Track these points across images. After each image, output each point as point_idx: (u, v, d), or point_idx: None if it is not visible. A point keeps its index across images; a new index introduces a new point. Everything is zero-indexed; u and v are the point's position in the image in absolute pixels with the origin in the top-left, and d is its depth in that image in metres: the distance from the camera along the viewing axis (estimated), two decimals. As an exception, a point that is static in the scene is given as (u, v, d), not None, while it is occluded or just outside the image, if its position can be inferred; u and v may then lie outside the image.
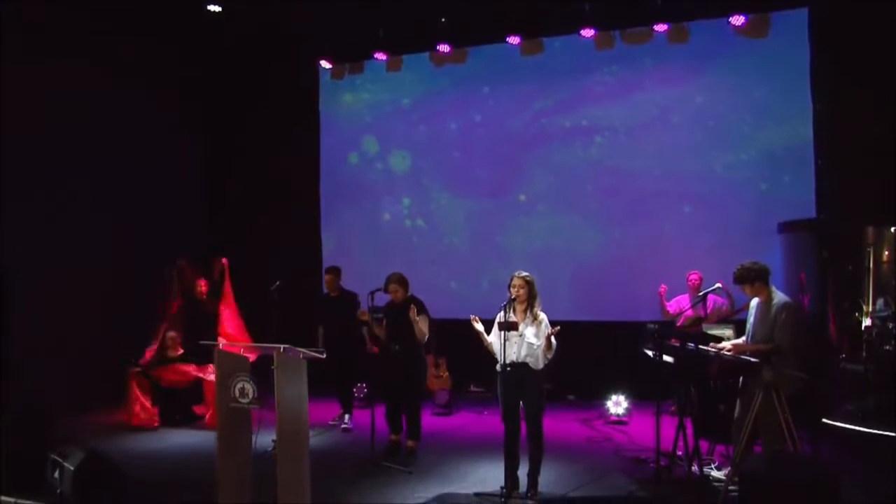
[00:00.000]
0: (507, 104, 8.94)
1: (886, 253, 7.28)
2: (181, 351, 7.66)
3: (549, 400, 6.50)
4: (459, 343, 7.93)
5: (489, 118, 9.04)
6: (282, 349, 4.37)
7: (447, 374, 8.24)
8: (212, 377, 7.09)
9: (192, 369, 7.51)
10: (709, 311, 7.15)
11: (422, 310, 6.07)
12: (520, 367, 4.99)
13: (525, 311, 5.06)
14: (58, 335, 7.63)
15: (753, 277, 4.87)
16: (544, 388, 5.19)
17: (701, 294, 5.31)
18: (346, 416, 7.24)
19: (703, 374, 5.22)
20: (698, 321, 6.17)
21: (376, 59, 9.20)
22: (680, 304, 7.37)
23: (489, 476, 5.47)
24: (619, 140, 8.52)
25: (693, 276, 7.34)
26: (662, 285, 7.45)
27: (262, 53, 9.57)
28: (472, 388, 8.77)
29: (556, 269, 8.42)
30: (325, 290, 7.35)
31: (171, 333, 7.68)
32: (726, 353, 4.93)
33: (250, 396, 4.46)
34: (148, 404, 7.36)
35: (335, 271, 7.26)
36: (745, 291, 4.99)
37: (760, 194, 7.97)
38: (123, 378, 7.43)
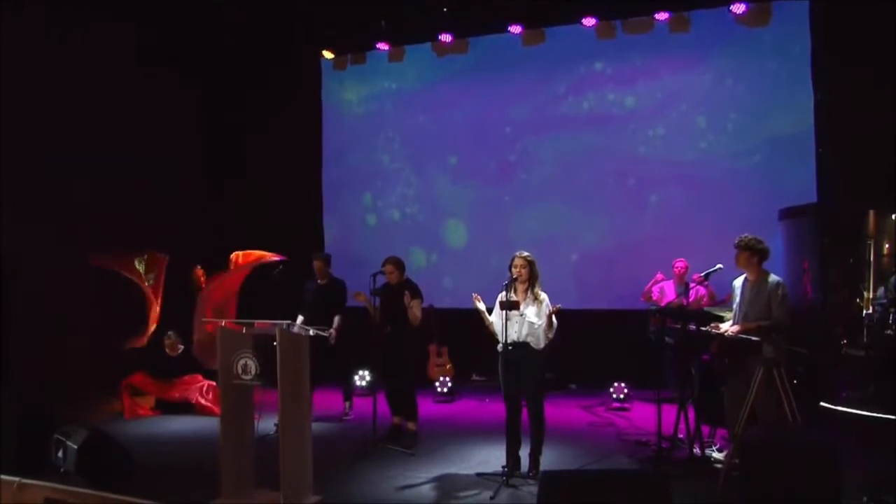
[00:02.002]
0: (509, 93, 8.96)
1: (887, 246, 7.31)
2: (181, 348, 7.61)
3: (550, 388, 6.55)
4: (461, 332, 7.99)
5: (491, 107, 9.05)
6: (285, 325, 4.39)
7: (450, 364, 8.25)
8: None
9: (192, 383, 7.49)
10: (690, 300, 7.16)
11: (416, 294, 6.07)
12: (521, 347, 5.02)
13: (526, 291, 5.09)
14: (58, 323, 7.66)
15: (758, 250, 4.92)
16: (545, 369, 5.21)
17: (704, 274, 5.31)
18: (347, 405, 7.12)
19: (704, 349, 5.24)
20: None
21: (378, 49, 9.25)
22: (663, 290, 7.39)
23: (491, 458, 5.48)
24: (621, 128, 8.53)
25: (679, 264, 7.36)
26: (660, 273, 7.49)
27: (265, 43, 9.58)
28: (475, 377, 8.78)
29: (558, 256, 8.45)
30: (315, 278, 6.95)
31: (170, 336, 7.62)
32: (730, 333, 4.95)
33: (253, 373, 4.48)
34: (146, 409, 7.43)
35: (326, 258, 6.97)
36: (738, 261, 5.01)
37: (761, 182, 7.96)
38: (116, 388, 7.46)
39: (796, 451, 3.43)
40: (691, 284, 6.90)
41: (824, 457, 3.40)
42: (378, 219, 9.58)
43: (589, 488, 3.69)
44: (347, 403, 7.15)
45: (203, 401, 7.34)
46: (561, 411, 7.11)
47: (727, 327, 5.06)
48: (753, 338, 4.74)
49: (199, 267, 8.17)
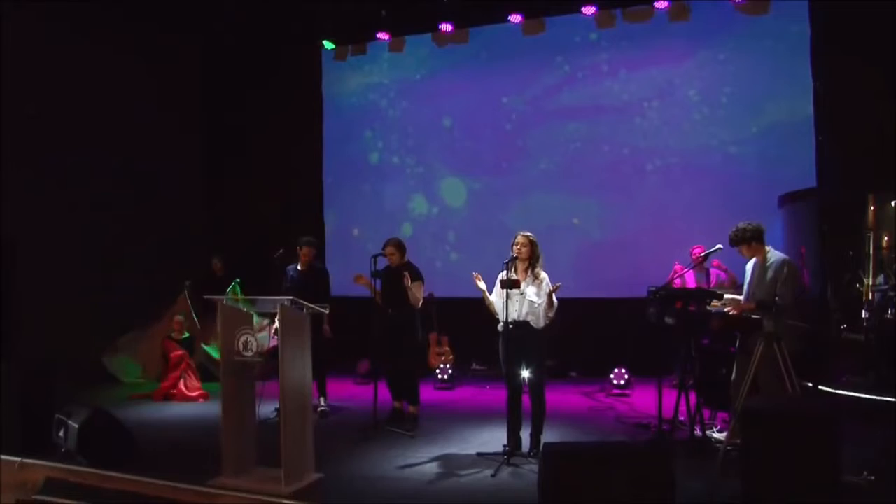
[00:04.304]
0: (510, 83, 8.99)
1: (886, 238, 7.33)
2: (187, 335, 7.83)
3: (551, 376, 6.53)
4: (461, 321, 8.02)
5: (491, 97, 9.08)
6: (286, 302, 4.39)
7: (452, 355, 8.23)
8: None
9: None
10: (712, 284, 7.21)
11: (416, 276, 6.06)
12: (521, 326, 5.03)
13: (526, 271, 5.11)
14: (60, 304, 7.71)
15: (750, 237, 4.91)
16: (546, 349, 5.21)
17: (704, 254, 5.33)
18: (321, 399, 6.60)
19: (705, 330, 5.24)
20: None
21: (379, 39, 9.27)
22: (684, 280, 7.39)
23: (492, 439, 5.49)
24: (621, 117, 8.55)
25: (697, 251, 7.37)
26: (678, 264, 7.51)
27: (266, 34, 9.62)
28: (475, 366, 8.78)
29: (559, 246, 8.41)
30: (296, 264, 6.65)
31: (178, 317, 7.77)
32: (729, 312, 4.96)
33: (254, 350, 4.48)
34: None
35: (313, 245, 6.66)
36: (742, 252, 5.01)
37: (761, 170, 7.98)
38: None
39: (796, 417, 3.44)
40: (711, 270, 6.89)
41: (824, 423, 3.41)
42: (378, 210, 9.58)
43: (591, 460, 3.70)
44: (322, 398, 6.60)
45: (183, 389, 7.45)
46: (561, 397, 7.12)
47: (729, 300, 5.07)
48: (753, 316, 4.74)
49: (216, 260, 8.46)
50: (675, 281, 7.37)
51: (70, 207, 7.99)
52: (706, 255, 5.30)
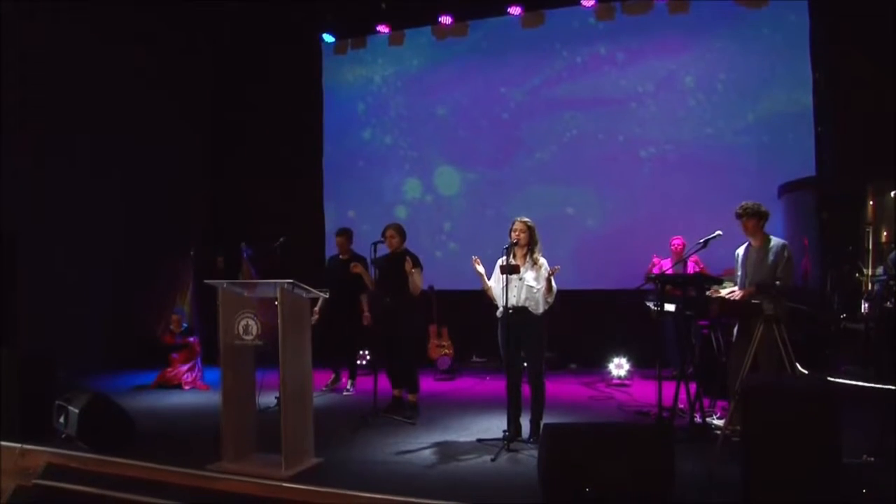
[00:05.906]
0: (509, 75, 9.00)
1: (885, 233, 7.32)
2: (185, 327, 7.85)
3: (551, 368, 6.54)
4: (460, 313, 8.03)
5: (490, 89, 9.09)
6: (286, 285, 4.39)
7: (451, 348, 8.23)
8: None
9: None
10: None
11: (416, 263, 6.06)
12: (520, 312, 5.02)
13: (525, 256, 5.10)
14: (61, 292, 7.72)
15: (761, 215, 4.98)
16: (545, 336, 5.21)
17: (703, 241, 5.32)
18: (350, 382, 7.21)
19: (704, 316, 5.25)
20: None
21: (378, 32, 9.28)
22: (662, 268, 7.40)
23: (492, 426, 5.47)
24: (620, 110, 8.56)
25: (676, 242, 7.39)
26: (655, 255, 7.53)
27: (266, 28, 9.63)
28: (475, 358, 8.79)
29: (557, 238, 8.39)
30: (336, 253, 7.13)
31: (175, 316, 7.82)
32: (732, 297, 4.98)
33: (254, 333, 4.49)
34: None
35: (346, 233, 7.06)
36: (745, 227, 5.05)
37: (761, 162, 7.99)
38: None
39: (797, 397, 3.43)
40: (689, 263, 6.92)
41: (824, 404, 3.41)
42: (378, 203, 9.58)
43: (591, 441, 3.71)
44: (351, 382, 7.20)
45: (189, 378, 7.51)
46: (561, 387, 7.12)
47: (727, 292, 5.07)
48: (754, 301, 4.75)
49: (220, 258, 8.60)
50: (654, 270, 7.38)
51: (72, 202, 7.99)
52: (706, 242, 5.30)
